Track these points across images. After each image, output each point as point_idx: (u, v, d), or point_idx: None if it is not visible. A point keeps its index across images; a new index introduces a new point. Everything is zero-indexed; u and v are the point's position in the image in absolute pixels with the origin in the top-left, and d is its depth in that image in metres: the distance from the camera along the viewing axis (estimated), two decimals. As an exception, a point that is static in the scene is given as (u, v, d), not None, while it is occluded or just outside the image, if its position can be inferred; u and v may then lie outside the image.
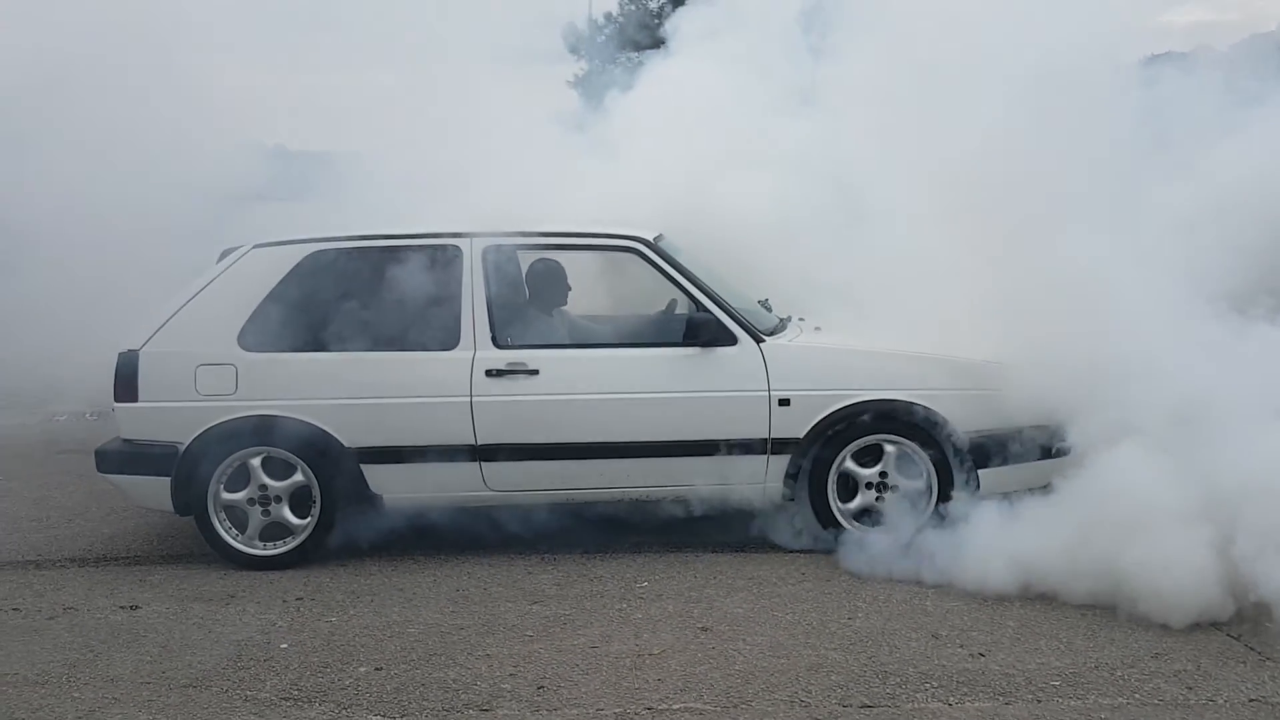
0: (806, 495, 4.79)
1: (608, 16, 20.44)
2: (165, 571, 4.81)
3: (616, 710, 3.37)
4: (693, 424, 4.70)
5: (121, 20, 6.09)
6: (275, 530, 4.78)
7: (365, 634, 4.03)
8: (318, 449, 4.68)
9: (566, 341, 5.02)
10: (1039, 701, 3.39)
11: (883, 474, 4.75)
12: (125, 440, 4.81)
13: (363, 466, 4.70)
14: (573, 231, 5.03)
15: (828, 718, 3.31)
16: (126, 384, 4.74)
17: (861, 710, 3.35)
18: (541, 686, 3.55)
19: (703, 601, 4.28)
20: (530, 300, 5.17)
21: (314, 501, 4.74)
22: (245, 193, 6.23)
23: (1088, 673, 3.58)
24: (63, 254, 6.01)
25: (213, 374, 4.70)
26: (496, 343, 4.74)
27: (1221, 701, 3.38)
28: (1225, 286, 4.86)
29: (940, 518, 4.63)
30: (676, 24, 6.76)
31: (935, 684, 3.51)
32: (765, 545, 4.87)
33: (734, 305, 4.86)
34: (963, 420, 4.69)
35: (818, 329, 5.14)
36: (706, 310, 4.77)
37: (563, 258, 5.19)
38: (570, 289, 5.22)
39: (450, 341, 4.73)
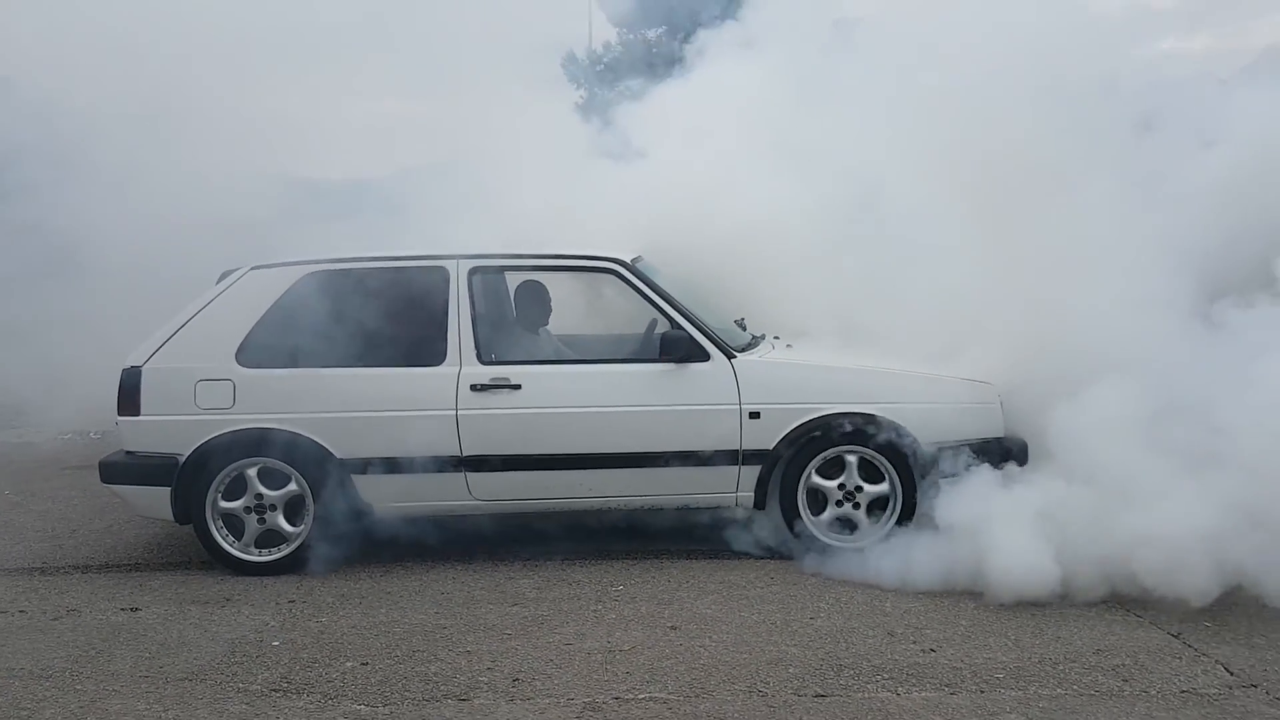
0: (777, 504, 5.02)
1: (606, 46, 20.81)
2: (164, 577, 5.03)
3: (586, 700, 3.59)
4: (668, 436, 4.93)
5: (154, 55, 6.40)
6: (270, 537, 5.00)
7: (353, 633, 4.25)
8: (311, 460, 4.91)
9: (548, 358, 5.27)
10: (982, 692, 3.61)
11: (857, 488, 4.97)
12: (128, 452, 5.05)
13: (354, 477, 4.93)
14: (554, 253, 5.28)
15: (783, 706, 3.52)
16: (129, 398, 4.98)
17: (815, 699, 3.57)
18: (517, 679, 3.77)
19: (674, 603, 4.50)
20: (514, 319, 5.43)
21: (307, 510, 4.97)
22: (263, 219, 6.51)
23: (1031, 667, 3.80)
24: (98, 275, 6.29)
25: (212, 389, 4.94)
26: (481, 359, 4.98)
27: (1155, 693, 3.59)
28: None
29: (903, 525, 4.86)
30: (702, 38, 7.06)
31: (886, 676, 3.73)
32: (737, 551, 5.09)
33: (707, 323, 5.11)
34: (925, 432, 4.91)
35: (789, 346, 5.40)
36: (681, 328, 5.02)
37: (545, 278, 5.45)
38: (552, 309, 5.47)
39: (437, 358, 4.97)
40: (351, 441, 4.91)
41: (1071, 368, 4.83)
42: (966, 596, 4.47)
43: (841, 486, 4.96)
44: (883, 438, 4.90)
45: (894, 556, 4.69)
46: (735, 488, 4.99)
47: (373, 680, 3.79)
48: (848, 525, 5.00)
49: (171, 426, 4.94)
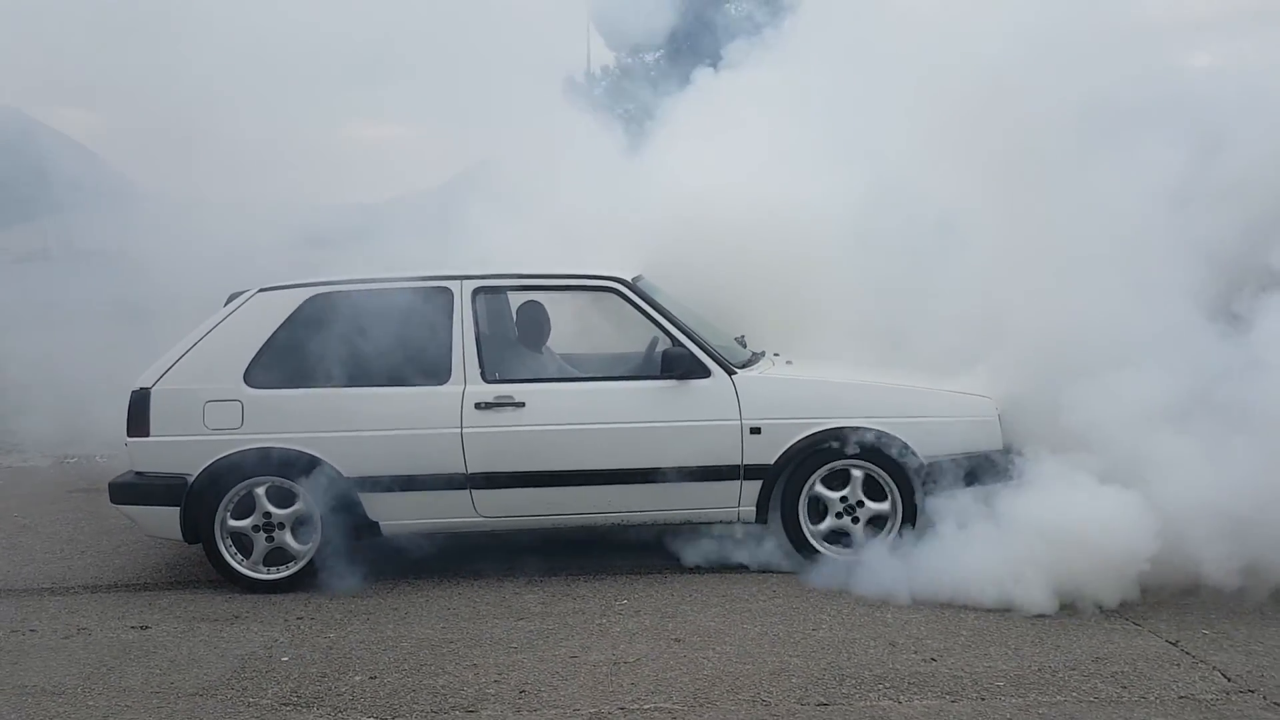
0: (779, 518, 5.08)
1: (604, 69, 20.97)
2: (174, 596, 5.09)
3: (591, 710, 3.65)
4: (670, 452, 4.99)
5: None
6: (278, 555, 5.07)
7: (361, 647, 4.31)
8: (318, 479, 4.97)
9: (551, 376, 5.34)
10: (983, 699, 3.66)
11: (847, 498, 5.04)
12: (137, 473, 5.11)
13: (360, 495, 5.00)
14: (556, 273, 5.37)
15: (786, 715, 3.58)
16: (139, 420, 5.06)
17: (818, 708, 3.62)
18: (523, 691, 3.82)
19: (677, 616, 4.56)
20: (517, 338, 5.51)
21: (314, 528, 5.03)
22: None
23: (1031, 675, 3.85)
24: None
25: (220, 409, 5.01)
26: (485, 377, 5.05)
27: (1153, 699, 3.65)
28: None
29: (904, 538, 4.92)
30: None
31: (888, 685, 3.79)
32: (740, 566, 5.14)
33: (708, 340, 5.18)
34: (924, 446, 4.98)
35: (789, 362, 5.47)
36: (682, 345, 5.09)
37: (548, 298, 5.53)
38: (551, 329, 5.55)
39: (442, 377, 5.05)
40: (358, 460, 4.97)
41: (1077, 376, 4.95)
42: (966, 607, 4.52)
43: (844, 500, 5.02)
44: (881, 451, 4.97)
45: (895, 568, 4.73)
46: (737, 502, 5.05)
47: (381, 693, 3.85)
48: (848, 537, 5.05)
49: (181, 447, 5.00)
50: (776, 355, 5.60)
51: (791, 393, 5.10)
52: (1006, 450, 5.09)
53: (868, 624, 4.41)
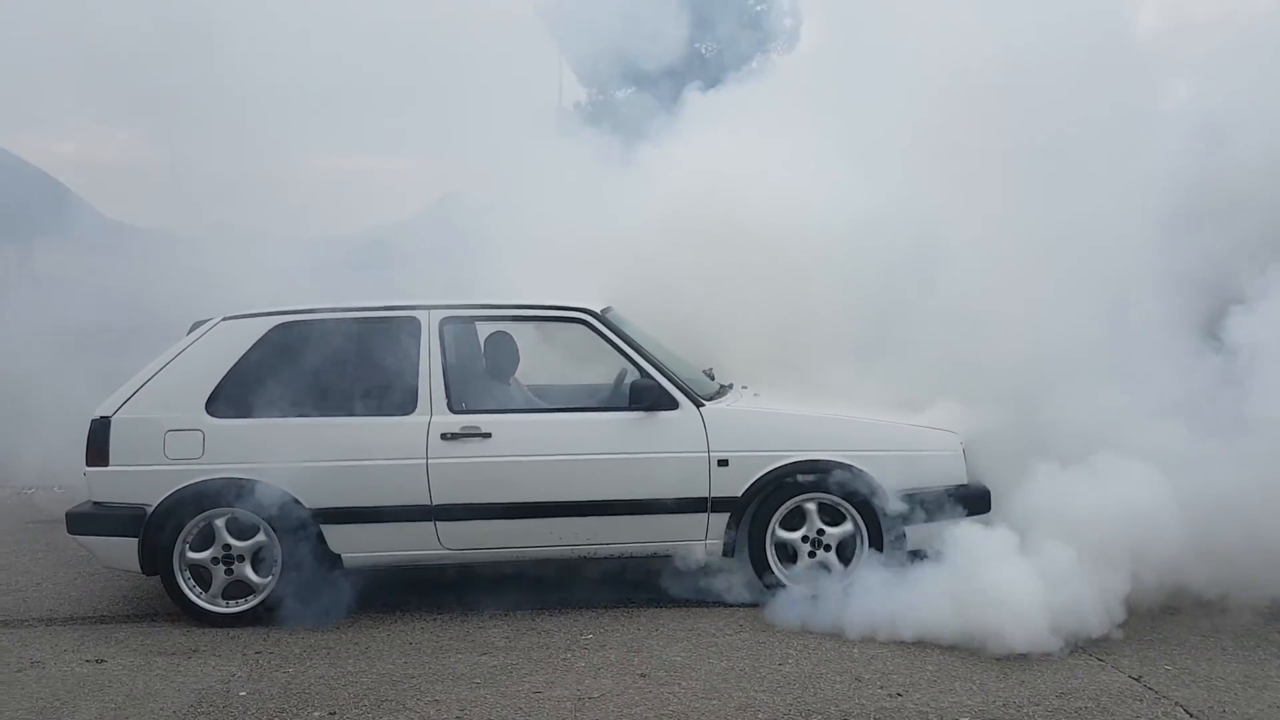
0: (746, 551, 5.06)
1: (576, 106, 21.08)
2: (130, 629, 4.99)
3: (554, 746, 3.60)
4: (637, 484, 4.97)
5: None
6: (237, 588, 4.98)
7: (320, 683, 4.23)
8: (280, 510, 4.90)
9: (518, 406, 5.31)
10: (948, 734, 3.64)
11: (819, 531, 5.02)
12: (95, 503, 5.02)
13: (322, 527, 4.93)
14: (525, 303, 5.36)
15: (751, 751, 3.55)
16: (98, 449, 4.98)
17: (783, 744, 3.59)
18: (485, 727, 3.77)
19: (643, 651, 4.51)
20: (485, 368, 5.48)
21: (275, 561, 4.95)
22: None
23: (996, 710, 3.84)
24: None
25: (181, 439, 4.94)
26: (452, 408, 5.01)
27: (1117, 733, 3.65)
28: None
29: (870, 572, 4.90)
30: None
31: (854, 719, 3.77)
32: (706, 599, 5.10)
33: (676, 372, 5.18)
34: (891, 480, 4.98)
35: (757, 395, 5.47)
36: (650, 376, 5.08)
37: (516, 328, 5.51)
38: (520, 359, 5.53)
39: (408, 407, 5.01)
40: (321, 491, 4.91)
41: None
42: (932, 643, 4.51)
43: (806, 539, 5.02)
44: (849, 485, 4.96)
45: (859, 603, 4.71)
46: (704, 535, 5.02)
47: (340, 729, 3.78)
48: (814, 571, 5.03)
49: (140, 477, 4.93)
50: (744, 388, 5.61)
51: (760, 425, 5.10)
52: (971, 484, 5.11)
53: (834, 659, 4.38)
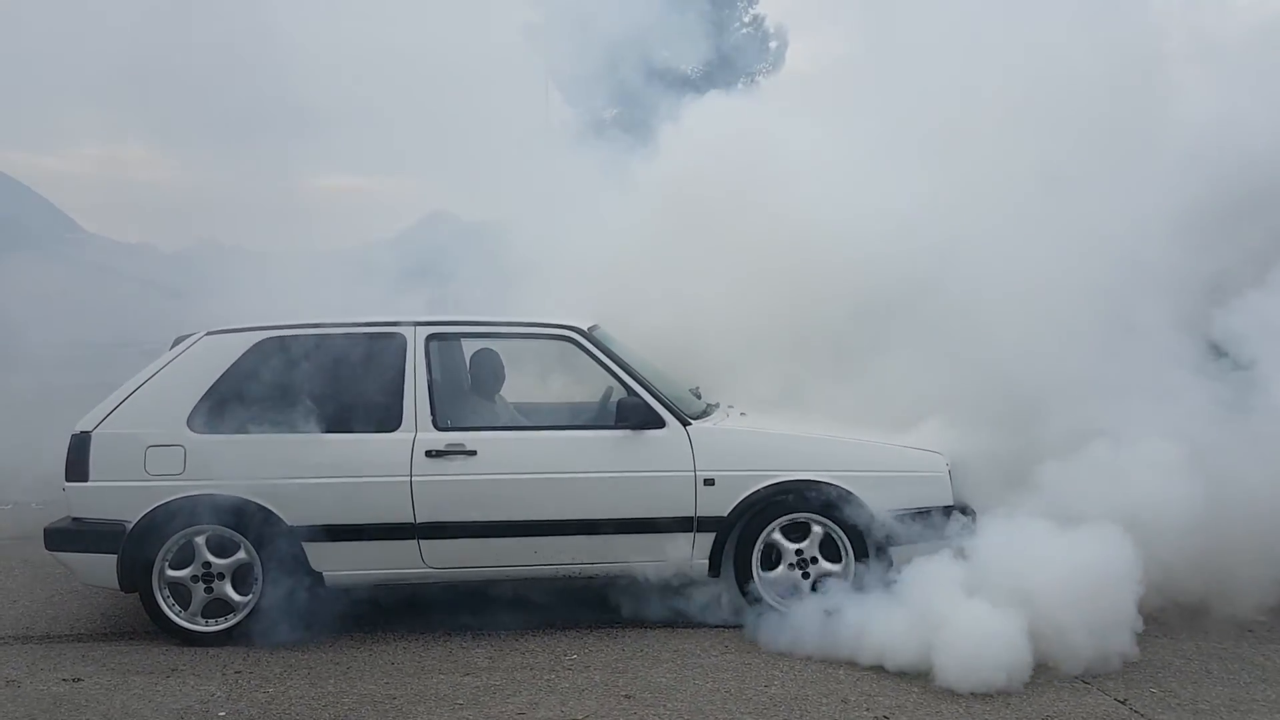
0: (732, 571, 5.03)
1: (563, 124, 21.09)
2: (108, 647, 4.92)
3: (538, 768, 3.55)
4: (623, 503, 4.94)
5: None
6: (217, 606, 4.92)
7: (301, 703, 4.18)
8: (261, 528, 4.85)
9: (504, 424, 5.28)
10: (935, 758, 3.62)
11: (800, 551, 5.00)
12: (74, 519, 4.96)
13: (304, 544, 4.88)
14: (511, 320, 5.34)
15: (737, 773, 3.51)
16: (78, 464, 4.92)
17: (769, 766, 3.56)
18: (468, 748, 3.72)
19: (628, 672, 4.47)
20: (470, 385, 5.45)
21: (256, 578, 4.90)
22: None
23: (983, 732, 3.83)
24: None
25: (162, 455, 4.89)
26: (437, 425, 4.98)
27: (1104, 757, 3.63)
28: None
29: (855, 592, 4.87)
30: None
31: (840, 743, 3.73)
32: (692, 620, 5.06)
33: (663, 390, 5.16)
34: (876, 499, 4.96)
35: (743, 414, 5.45)
36: (637, 395, 5.06)
37: (503, 345, 5.49)
38: (505, 377, 5.51)
39: (392, 423, 4.97)
40: (303, 508, 4.86)
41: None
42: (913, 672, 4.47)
43: (799, 554, 4.98)
44: (834, 505, 4.94)
45: (844, 624, 4.68)
46: (690, 554, 4.99)
47: (321, 750, 3.72)
48: (800, 591, 5.00)
49: (120, 493, 4.87)
50: (731, 406, 5.59)
51: (746, 444, 5.08)
52: (956, 506, 5.10)
53: (820, 680, 4.35)
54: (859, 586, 4.90)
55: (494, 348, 5.51)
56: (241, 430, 4.92)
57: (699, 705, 4.09)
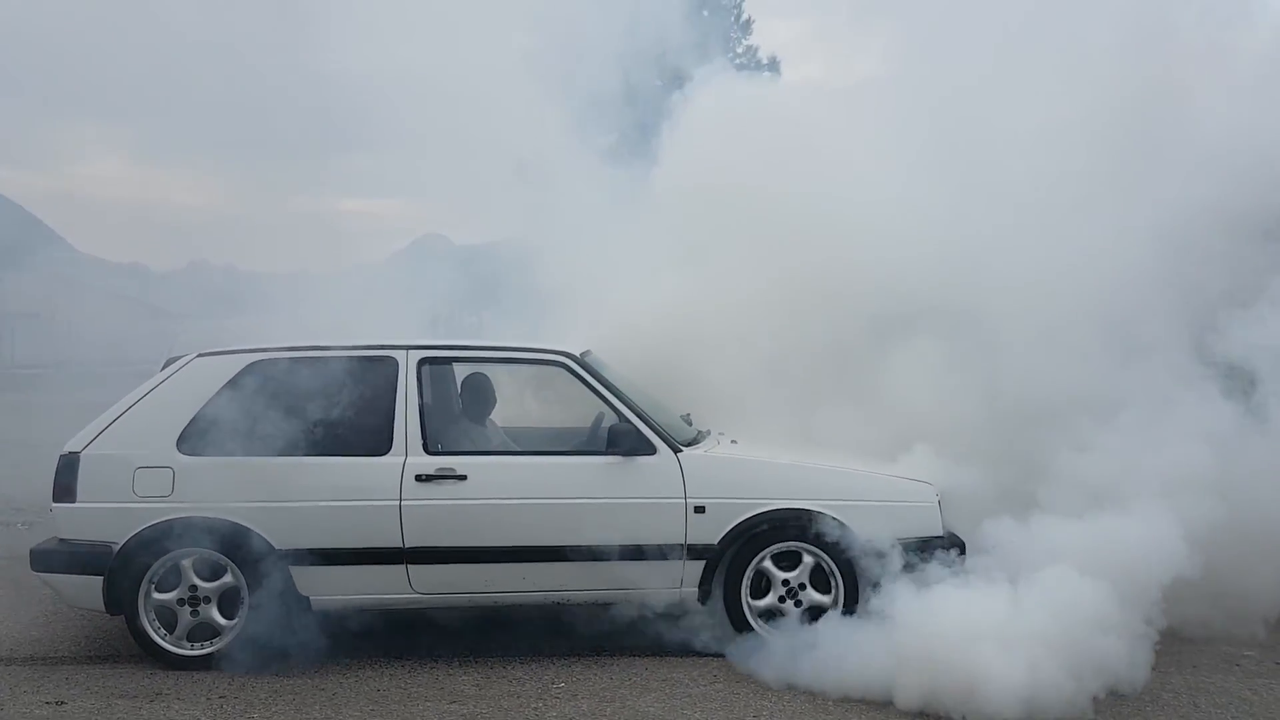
0: (721, 599, 5.01)
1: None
2: (92, 670, 4.88)
3: (524, 798, 3.52)
4: (613, 529, 4.92)
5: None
6: (203, 630, 4.89)
7: (286, 729, 4.15)
8: (248, 551, 4.82)
9: (494, 449, 5.27)
10: (924, 790, 3.59)
11: (790, 580, 4.98)
12: (61, 540, 4.93)
13: (292, 569, 4.85)
14: (503, 345, 5.34)
15: (725, 804, 3.48)
16: (65, 485, 4.89)
17: (757, 797, 3.53)
18: (454, 776, 3.69)
19: (616, 701, 4.45)
20: (462, 410, 5.44)
21: (242, 602, 4.87)
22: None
23: (972, 765, 3.80)
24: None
25: (150, 476, 4.87)
26: (427, 449, 4.96)
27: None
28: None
29: (845, 623, 4.86)
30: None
31: (829, 774, 3.71)
32: (681, 648, 5.03)
33: (654, 417, 5.15)
34: (866, 529, 4.95)
35: (734, 442, 5.45)
36: (628, 421, 5.05)
37: (495, 370, 5.49)
38: (496, 401, 5.50)
39: (382, 447, 4.95)
40: (291, 532, 4.84)
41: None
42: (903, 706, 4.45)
43: (786, 584, 4.97)
44: (824, 534, 4.93)
45: (833, 655, 4.65)
46: (680, 583, 4.97)
47: (305, 777, 3.69)
48: (788, 621, 4.98)
49: (108, 514, 4.84)
50: (722, 434, 5.58)
51: (737, 473, 5.07)
52: (946, 536, 5.09)
53: (808, 711, 4.34)
54: (848, 616, 4.89)
55: (486, 372, 5.51)
56: (231, 453, 4.90)
57: (687, 735, 4.07)
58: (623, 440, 4.99)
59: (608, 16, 7.46)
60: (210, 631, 4.89)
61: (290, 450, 4.90)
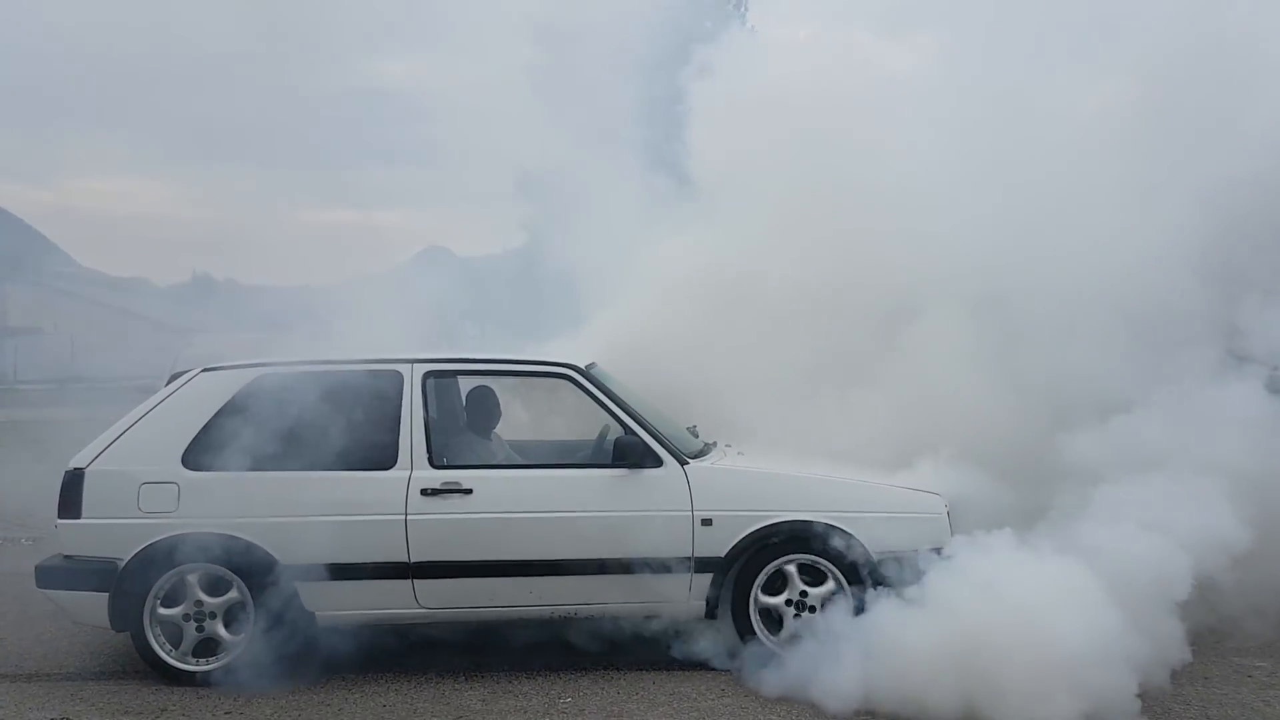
0: (729, 612, 4.99)
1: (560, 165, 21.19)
2: (98, 686, 4.86)
3: (533, 814, 3.50)
4: (620, 542, 4.90)
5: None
6: (208, 646, 4.87)
7: (292, 745, 4.12)
8: (254, 566, 4.80)
9: (500, 462, 5.26)
10: (936, 804, 3.57)
11: (803, 593, 4.96)
12: (66, 556, 4.91)
13: (297, 584, 4.83)
14: (509, 358, 5.32)
15: (735, 820, 3.45)
16: (71, 501, 4.88)
17: (768, 813, 3.51)
18: (462, 793, 3.66)
19: (623, 715, 4.42)
20: (467, 423, 5.42)
21: (247, 618, 4.85)
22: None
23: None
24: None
25: (156, 492, 4.85)
26: (433, 463, 4.95)
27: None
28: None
29: (853, 635, 4.82)
30: None
31: (839, 789, 3.68)
32: (689, 662, 5.01)
33: (660, 429, 5.13)
34: (875, 541, 4.93)
35: (741, 453, 5.43)
36: (634, 433, 5.04)
37: (500, 383, 5.47)
38: (501, 414, 5.48)
39: (388, 461, 4.94)
40: (297, 547, 4.81)
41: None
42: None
43: (789, 601, 4.95)
44: (832, 546, 4.91)
45: (842, 667, 4.62)
46: (687, 596, 4.95)
47: (312, 794, 3.67)
48: (798, 634, 4.95)
49: (113, 530, 4.83)
50: (728, 445, 5.57)
51: (745, 484, 5.05)
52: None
53: (818, 724, 4.31)
54: (856, 628, 4.85)
55: (492, 385, 5.49)
56: (236, 468, 4.88)
57: (696, 749, 4.04)
58: (629, 452, 4.97)
59: (618, 23, 7.47)
60: (216, 647, 4.87)
61: (295, 465, 4.88)
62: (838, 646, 4.76)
